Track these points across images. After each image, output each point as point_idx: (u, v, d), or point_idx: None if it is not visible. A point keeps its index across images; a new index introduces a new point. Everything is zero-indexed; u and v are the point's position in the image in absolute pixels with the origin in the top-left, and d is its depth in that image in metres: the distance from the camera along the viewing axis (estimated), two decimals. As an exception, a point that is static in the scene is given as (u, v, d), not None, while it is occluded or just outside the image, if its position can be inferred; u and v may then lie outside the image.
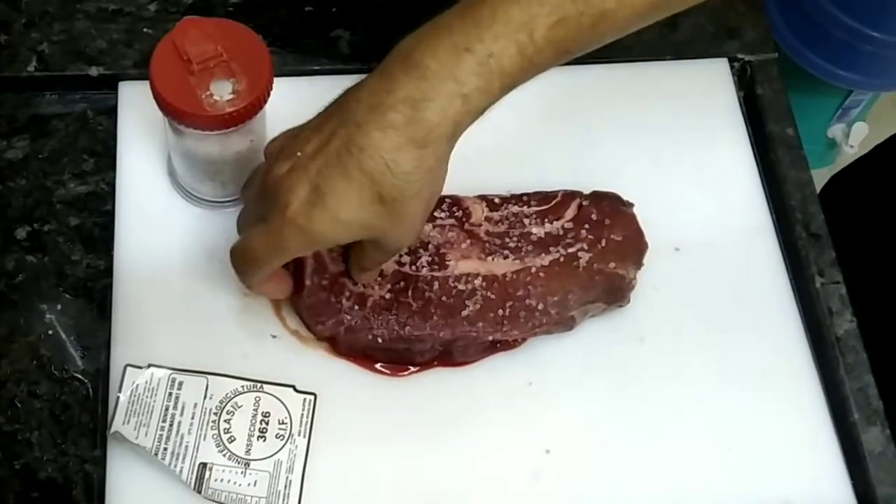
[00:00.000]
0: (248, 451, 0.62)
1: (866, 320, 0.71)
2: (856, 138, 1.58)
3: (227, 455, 0.62)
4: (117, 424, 0.62)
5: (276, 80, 0.75)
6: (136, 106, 0.72)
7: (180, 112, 0.61)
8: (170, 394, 0.63)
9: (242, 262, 0.61)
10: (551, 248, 0.67)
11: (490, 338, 0.66)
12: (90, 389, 0.65)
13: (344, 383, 0.66)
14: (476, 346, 0.66)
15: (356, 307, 0.65)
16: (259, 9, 0.77)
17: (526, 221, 0.68)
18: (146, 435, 0.62)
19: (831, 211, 0.75)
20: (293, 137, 0.59)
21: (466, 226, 0.68)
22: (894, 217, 0.94)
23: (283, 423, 0.64)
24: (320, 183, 0.55)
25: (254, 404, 0.64)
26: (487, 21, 0.53)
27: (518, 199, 0.69)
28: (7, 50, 0.74)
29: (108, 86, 0.73)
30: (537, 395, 0.67)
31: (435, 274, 0.66)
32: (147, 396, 0.63)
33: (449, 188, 0.71)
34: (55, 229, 0.69)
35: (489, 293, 0.65)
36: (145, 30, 0.75)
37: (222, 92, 0.61)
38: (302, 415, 0.64)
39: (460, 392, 0.67)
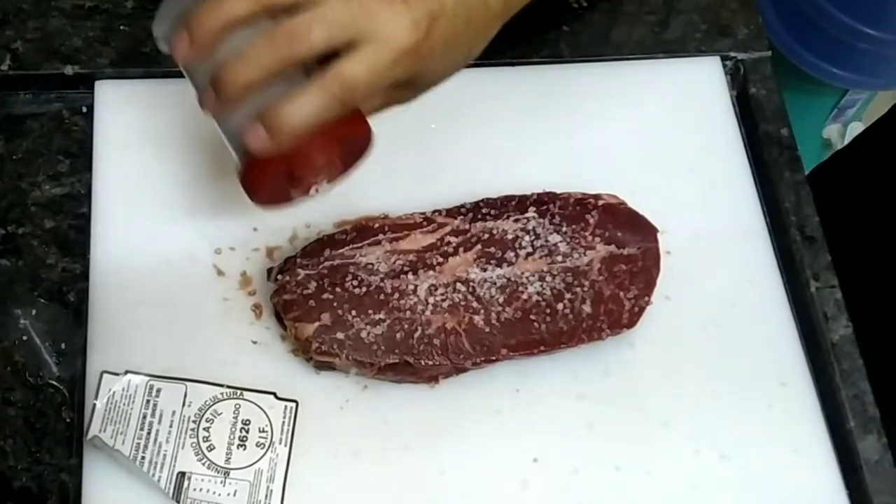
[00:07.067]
0: (227, 460, 0.62)
1: (863, 325, 0.70)
2: (852, 139, 1.58)
3: (207, 464, 0.61)
4: (94, 432, 0.61)
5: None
6: (112, 105, 0.72)
7: None
8: (147, 401, 0.62)
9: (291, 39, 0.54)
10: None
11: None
12: (66, 396, 0.64)
13: (326, 391, 0.65)
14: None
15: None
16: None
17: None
18: (123, 443, 0.61)
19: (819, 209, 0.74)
20: None
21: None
22: (881, 212, 0.93)
23: (263, 431, 0.63)
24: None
25: (233, 412, 0.63)
26: None
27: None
28: (-20, 48, 0.74)
29: (84, 85, 0.73)
30: (525, 402, 0.66)
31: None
32: (124, 404, 0.62)
33: (444, 188, 0.70)
34: (29, 232, 0.68)
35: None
36: (122, 27, 0.75)
37: None
38: (283, 423, 0.63)
39: (446, 399, 0.66)
